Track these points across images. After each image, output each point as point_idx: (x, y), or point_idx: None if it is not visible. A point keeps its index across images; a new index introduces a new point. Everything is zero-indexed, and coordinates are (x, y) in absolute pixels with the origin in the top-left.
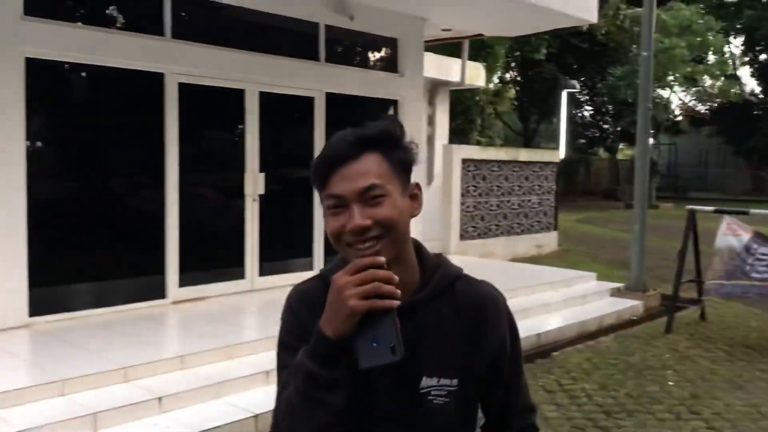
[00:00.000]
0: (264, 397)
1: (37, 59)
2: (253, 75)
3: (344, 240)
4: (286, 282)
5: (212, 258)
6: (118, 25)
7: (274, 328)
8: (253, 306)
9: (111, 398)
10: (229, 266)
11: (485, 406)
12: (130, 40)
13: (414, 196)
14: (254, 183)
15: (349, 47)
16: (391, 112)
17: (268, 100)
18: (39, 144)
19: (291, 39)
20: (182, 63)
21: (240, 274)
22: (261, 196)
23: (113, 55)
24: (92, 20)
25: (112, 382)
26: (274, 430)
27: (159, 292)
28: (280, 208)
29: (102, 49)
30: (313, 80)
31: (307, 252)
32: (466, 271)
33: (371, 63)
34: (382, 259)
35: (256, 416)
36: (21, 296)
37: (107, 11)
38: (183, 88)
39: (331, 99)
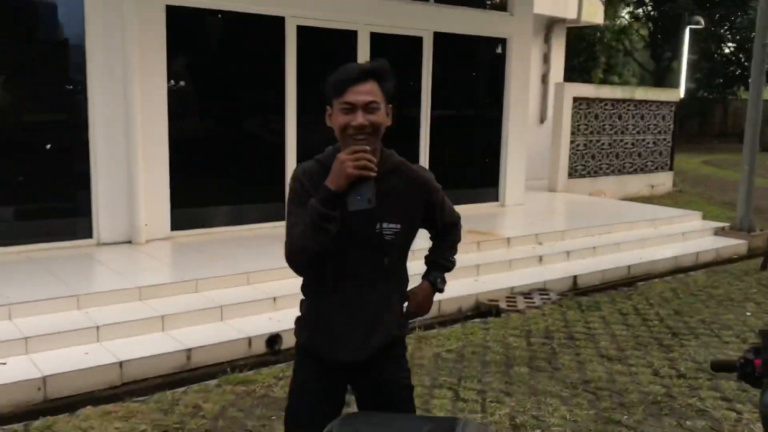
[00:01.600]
0: None
1: (175, 6)
2: (366, 16)
3: (347, 132)
4: None
5: None
6: None
7: None
8: None
9: (235, 296)
10: None
11: (432, 232)
12: None
13: (388, 113)
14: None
15: None
16: (498, 50)
17: (378, 40)
18: (178, 84)
19: None
20: (301, 6)
21: None
22: None
23: (239, 0)
24: None
25: (236, 284)
26: (287, 250)
27: (280, 215)
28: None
29: None
30: (422, 20)
31: None
32: (566, 208)
33: (480, 2)
34: (368, 147)
35: None
36: (165, 214)
37: None
38: (301, 30)
39: (439, 38)
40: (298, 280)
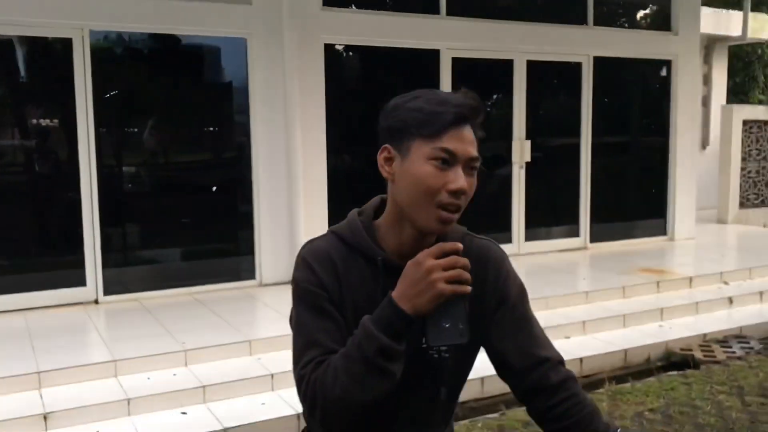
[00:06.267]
0: None
1: (332, 44)
2: (522, 45)
3: (438, 198)
4: (552, 248)
5: (480, 222)
6: (399, 8)
7: (540, 290)
8: (519, 269)
9: None
10: (496, 231)
11: (509, 368)
12: (410, 21)
13: None
14: (521, 151)
15: (618, 8)
16: (663, 72)
17: (534, 68)
18: (334, 121)
19: (559, 5)
20: (456, 38)
21: (507, 239)
22: (527, 164)
23: (395, 35)
24: (378, 5)
25: None
26: (309, 397)
27: None
28: (546, 175)
29: (385, 31)
30: (581, 45)
31: (573, 219)
32: (743, 242)
33: (642, 22)
34: (461, 246)
35: None
36: None
37: None
38: (456, 62)
39: (599, 63)
40: None
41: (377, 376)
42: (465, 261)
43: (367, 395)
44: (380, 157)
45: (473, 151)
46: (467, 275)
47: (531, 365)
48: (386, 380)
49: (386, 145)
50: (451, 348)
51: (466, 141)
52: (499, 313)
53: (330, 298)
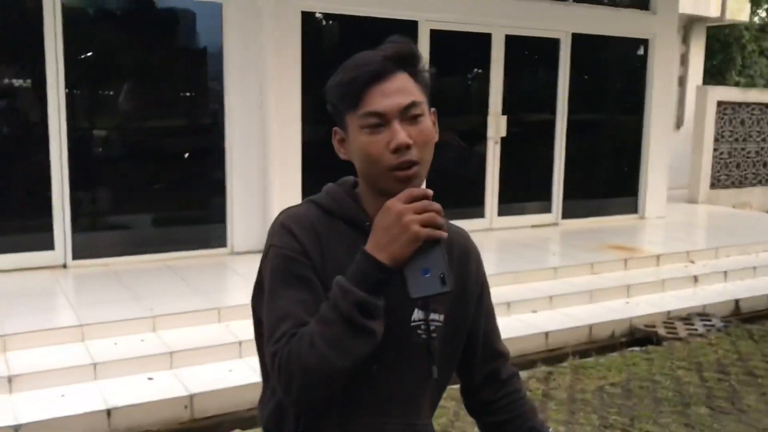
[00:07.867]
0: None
1: (310, 12)
2: (500, 19)
3: (385, 162)
4: (524, 223)
5: (454, 196)
6: None
7: (510, 265)
8: (491, 243)
9: None
10: (470, 205)
11: (473, 358)
12: None
13: (434, 122)
14: (496, 126)
15: None
16: (641, 51)
17: (513, 43)
18: (310, 90)
19: None
20: (434, 10)
21: (480, 213)
22: (502, 139)
23: (373, 5)
24: None
25: None
26: (285, 373)
27: None
28: (520, 150)
29: (364, 0)
30: (559, 21)
31: (546, 195)
32: (712, 222)
33: (621, 1)
34: (431, 191)
35: None
36: None
37: None
38: (434, 34)
39: (577, 40)
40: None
41: (356, 335)
42: (438, 206)
43: (347, 360)
44: (334, 141)
45: (403, 100)
46: (441, 220)
47: (490, 357)
48: (366, 340)
49: (335, 128)
50: (439, 328)
51: (389, 93)
52: (479, 305)
53: (313, 266)
